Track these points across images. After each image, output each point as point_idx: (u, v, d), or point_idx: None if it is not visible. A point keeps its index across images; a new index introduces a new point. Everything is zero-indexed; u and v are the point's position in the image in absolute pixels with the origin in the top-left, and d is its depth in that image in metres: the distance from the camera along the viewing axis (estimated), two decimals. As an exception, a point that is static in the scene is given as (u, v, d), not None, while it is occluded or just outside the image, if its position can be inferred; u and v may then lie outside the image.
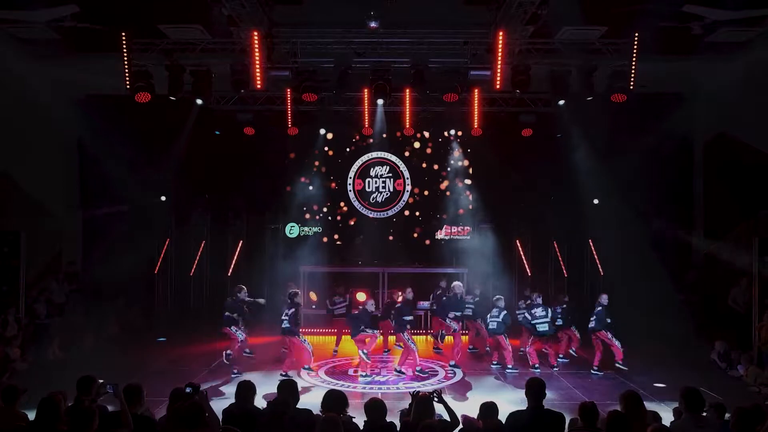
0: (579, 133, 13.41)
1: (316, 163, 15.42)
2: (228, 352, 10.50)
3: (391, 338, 12.21)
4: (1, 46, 10.91)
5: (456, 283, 11.91)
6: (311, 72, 11.13)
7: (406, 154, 15.58)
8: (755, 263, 11.32)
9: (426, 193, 15.59)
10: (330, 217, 15.54)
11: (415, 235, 15.53)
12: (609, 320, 10.88)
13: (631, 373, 10.66)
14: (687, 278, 14.21)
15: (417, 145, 15.43)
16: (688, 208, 15.03)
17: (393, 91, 11.67)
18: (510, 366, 10.87)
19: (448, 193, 15.46)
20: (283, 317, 10.36)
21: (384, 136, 14.84)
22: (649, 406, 6.46)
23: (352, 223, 15.58)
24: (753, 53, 11.25)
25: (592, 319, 10.99)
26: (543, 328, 11.05)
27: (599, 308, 11.01)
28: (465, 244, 15.12)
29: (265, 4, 9.89)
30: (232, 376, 10.32)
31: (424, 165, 15.56)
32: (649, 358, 11.29)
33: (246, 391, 5.54)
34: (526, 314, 11.30)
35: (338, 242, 15.47)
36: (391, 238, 15.42)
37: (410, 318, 11.06)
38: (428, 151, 15.54)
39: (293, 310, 10.35)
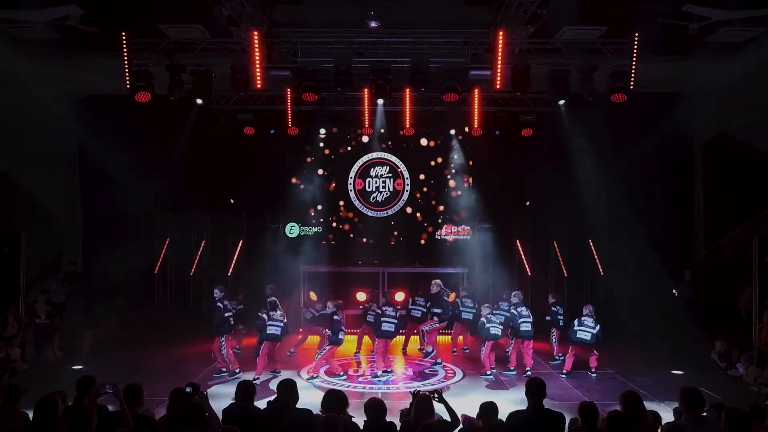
0: (579, 133, 13.42)
1: (316, 163, 15.43)
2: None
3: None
4: (1, 46, 10.91)
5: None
6: (311, 72, 11.12)
7: (406, 154, 15.57)
8: (755, 263, 11.33)
9: (426, 193, 15.59)
10: (330, 217, 15.55)
11: (415, 235, 15.52)
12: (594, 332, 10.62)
13: (631, 373, 10.66)
14: (683, 278, 14.21)
15: (417, 145, 15.42)
16: (688, 208, 15.03)
17: (393, 91, 11.66)
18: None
19: (448, 193, 15.46)
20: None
21: (383, 134, 14.85)
22: (649, 406, 6.46)
23: (351, 224, 15.57)
24: (753, 53, 11.25)
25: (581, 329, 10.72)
26: (526, 328, 10.88)
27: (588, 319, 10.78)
28: (465, 244, 15.13)
29: (265, 4, 9.89)
30: (215, 376, 10.40)
31: (423, 165, 15.55)
32: (649, 358, 11.29)
33: (246, 391, 5.53)
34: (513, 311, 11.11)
35: (338, 242, 15.47)
36: (392, 240, 15.42)
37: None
38: (428, 151, 15.53)
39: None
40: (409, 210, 15.60)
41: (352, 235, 15.51)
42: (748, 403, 5.50)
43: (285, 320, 10.54)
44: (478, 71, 11.07)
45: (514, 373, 10.77)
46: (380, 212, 15.58)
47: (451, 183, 15.47)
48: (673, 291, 13.65)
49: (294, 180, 15.41)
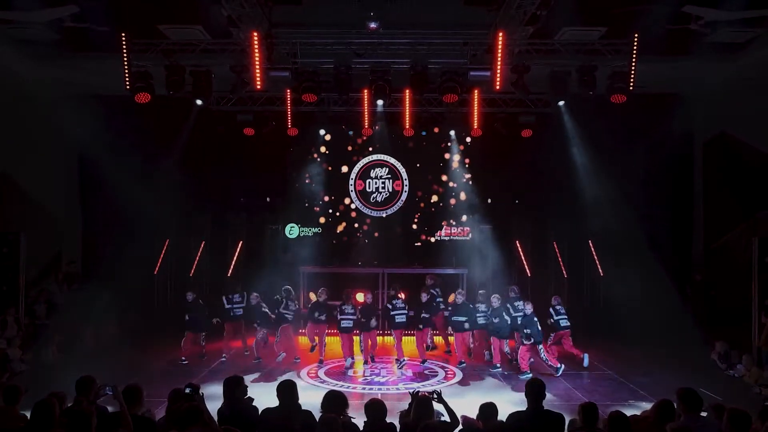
0: (579, 134, 13.43)
1: (316, 163, 15.43)
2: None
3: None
4: (1, 46, 10.92)
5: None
6: (311, 72, 11.12)
7: (406, 155, 15.57)
8: (755, 263, 11.33)
9: (425, 193, 15.58)
10: (330, 218, 15.54)
11: (415, 235, 15.53)
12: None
13: (631, 373, 10.67)
14: (693, 279, 14.17)
15: (416, 145, 15.41)
16: (688, 208, 15.03)
17: (393, 92, 11.67)
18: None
19: (447, 193, 15.46)
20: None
21: (384, 136, 14.85)
22: (648, 406, 6.45)
23: (351, 224, 15.57)
24: (753, 53, 11.26)
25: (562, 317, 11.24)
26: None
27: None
28: (465, 244, 15.13)
29: (264, 5, 9.89)
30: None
31: (423, 165, 15.55)
32: (649, 358, 11.29)
33: (233, 388, 5.36)
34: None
35: (338, 242, 15.48)
36: (390, 238, 15.41)
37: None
38: (428, 151, 15.52)
39: None
40: (408, 211, 15.59)
41: (351, 236, 15.51)
42: (748, 404, 5.50)
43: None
44: (477, 72, 11.08)
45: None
46: (380, 212, 15.57)
47: (451, 183, 15.46)
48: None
49: (294, 181, 15.40)
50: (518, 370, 10.71)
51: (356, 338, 11.47)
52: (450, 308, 12.00)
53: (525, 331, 10.61)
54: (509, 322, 11.06)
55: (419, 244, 15.46)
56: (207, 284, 15.28)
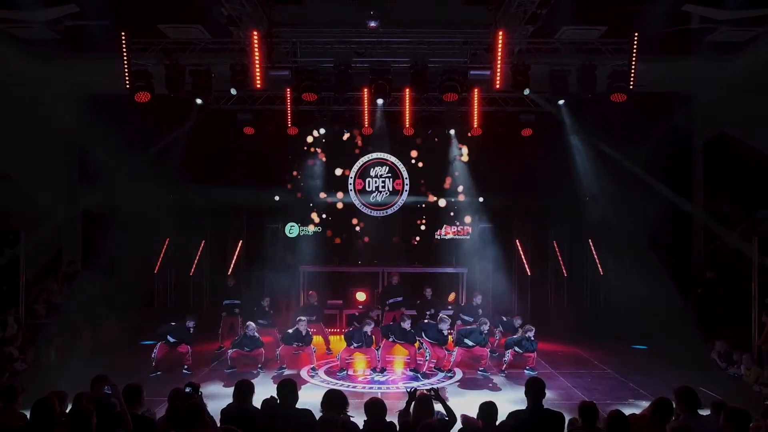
0: (578, 133, 13.43)
1: (316, 162, 15.43)
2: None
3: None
4: (1, 46, 10.91)
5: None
6: (311, 72, 11.12)
7: (406, 154, 15.57)
8: (755, 263, 11.33)
9: (425, 192, 15.58)
10: (330, 217, 15.54)
11: (415, 234, 15.53)
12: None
13: (632, 373, 10.67)
14: (704, 277, 14.16)
15: (416, 144, 15.41)
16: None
17: (393, 91, 11.66)
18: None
19: (448, 192, 15.46)
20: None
21: (384, 135, 14.84)
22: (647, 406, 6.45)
23: (351, 224, 15.56)
24: (753, 53, 11.25)
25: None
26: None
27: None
28: (465, 244, 15.13)
29: (264, 4, 9.90)
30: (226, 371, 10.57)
31: (423, 165, 15.55)
32: (649, 358, 11.29)
33: (244, 390, 5.50)
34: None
35: (338, 242, 15.48)
36: (392, 239, 15.41)
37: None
38: (428, 150, 15.52)
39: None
40: (408, 210, 15.58)
41: (351, 235, 15.51)
42: (748, 403, 5.49)
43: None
44: (477, 71, 11.08)
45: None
46: (380, 211, 15.57)
47: (451, 182, 15.46)
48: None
49: (293, 180, 15.40)
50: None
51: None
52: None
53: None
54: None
55: (419, 243, 15.45)
56: (207, 284, 15.31)
